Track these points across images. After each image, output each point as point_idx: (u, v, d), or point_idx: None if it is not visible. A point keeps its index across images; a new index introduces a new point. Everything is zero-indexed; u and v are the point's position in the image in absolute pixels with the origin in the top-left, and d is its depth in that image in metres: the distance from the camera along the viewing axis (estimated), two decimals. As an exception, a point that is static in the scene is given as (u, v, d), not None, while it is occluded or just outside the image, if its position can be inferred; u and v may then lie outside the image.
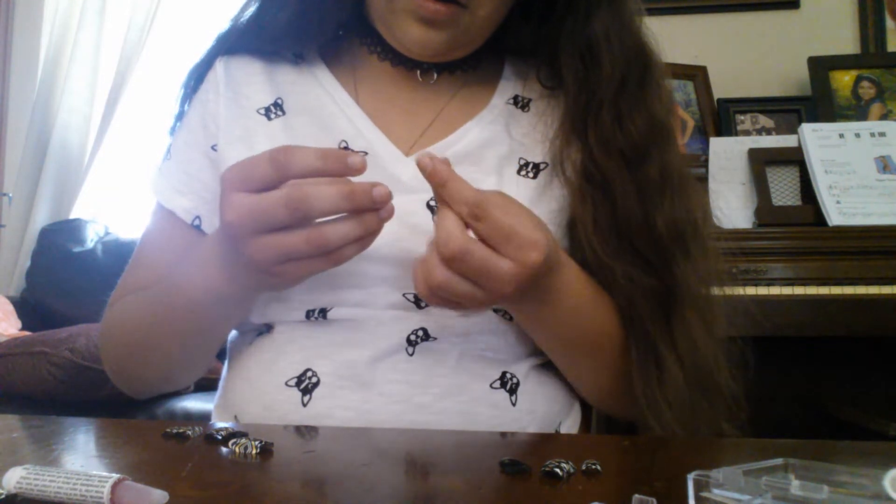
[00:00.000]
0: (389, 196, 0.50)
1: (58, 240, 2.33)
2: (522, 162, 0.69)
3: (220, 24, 0.76)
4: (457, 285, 0.50)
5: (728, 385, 0.63)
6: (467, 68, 0.73)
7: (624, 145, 0.65)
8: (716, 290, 0.66)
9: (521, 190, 0.67)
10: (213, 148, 0.71)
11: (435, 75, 0.72)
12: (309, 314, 0.64)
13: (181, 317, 0.62)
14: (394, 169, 0.67)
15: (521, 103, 0.74)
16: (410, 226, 0.63)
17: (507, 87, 0.74)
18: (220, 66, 0.74)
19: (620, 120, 0.66)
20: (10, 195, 2.49)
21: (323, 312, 0.64)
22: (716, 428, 0.62)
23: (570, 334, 0.63)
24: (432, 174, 0.50)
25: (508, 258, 0.50)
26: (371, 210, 0.50)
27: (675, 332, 0.62)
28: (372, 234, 0.51)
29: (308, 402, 0.62)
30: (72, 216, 2.47)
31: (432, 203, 0.64)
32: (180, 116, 0.77)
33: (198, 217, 0.72)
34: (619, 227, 0.64)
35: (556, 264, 0.56)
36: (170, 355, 0.67)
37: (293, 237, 0.49)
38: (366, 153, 0.67)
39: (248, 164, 0.50)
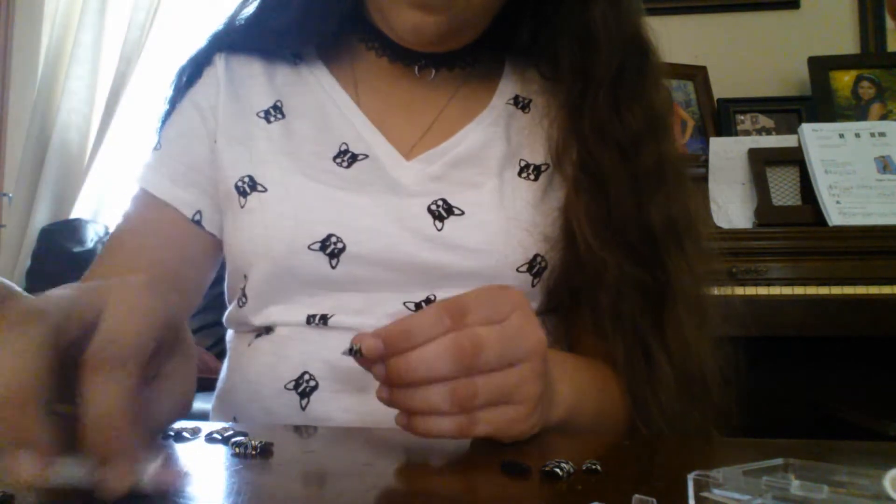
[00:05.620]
0: None
1: (58, 240, 2.33)
2: (523, 164, 0.69)
3: (219, 22, 0.75)
4: (490, 384, 0.42)
5: (719, 389, 0.62)
6: (465, 65, 0.72)
7: (620, 134, 0.64)
8: (709, 291, 0.65)
9: (523, 192, 0.67)
10: (214, 142, 0.70)
11: (433, 72, 0.72)
12: (310, 319, 0.63)
13: None
14: (394, 172, 0.66)
15: (521, 104, 0.73)
16: (411, 230, 0.63)
17: (507, 87, 0.74)
18: (219, 61, 0.73)
19: (618, 107, 0.65)
20: (10, 195, 2.49)
21: (324, 319, 0.63)
22: (704, 433, 0.61)
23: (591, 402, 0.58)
24: (387, 343, 0.41)
25: (508, 314, 0.43)
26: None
27: (666, 329, 0.60)
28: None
29: (306, 405, 0.62)
30: (72, 216, 2.47)
31: (433, 207, 0.64)
32: (171, 107, 0.75)
33: (199, 212, 0.70)
34: (612, 218, 0.62)
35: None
36: None
37: None
38: (366, 155, 0.67)
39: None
